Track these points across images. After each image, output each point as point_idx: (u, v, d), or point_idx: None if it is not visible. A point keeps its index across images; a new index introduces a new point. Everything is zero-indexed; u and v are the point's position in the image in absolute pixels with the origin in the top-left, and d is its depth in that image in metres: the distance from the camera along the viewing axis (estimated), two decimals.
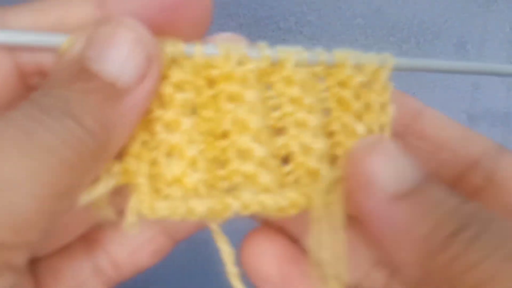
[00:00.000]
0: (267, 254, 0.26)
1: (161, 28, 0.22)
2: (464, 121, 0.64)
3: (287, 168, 0.25)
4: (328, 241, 0.24)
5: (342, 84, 0.26)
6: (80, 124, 0.19)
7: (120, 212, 0.23)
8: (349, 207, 0.24)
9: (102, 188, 0.22)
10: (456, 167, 0.27)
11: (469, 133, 0.28)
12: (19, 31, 0.22)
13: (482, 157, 0.27)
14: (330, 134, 0.26)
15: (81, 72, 0.20)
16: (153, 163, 0.23)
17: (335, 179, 0.25)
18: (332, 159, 0.26)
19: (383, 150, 0.22)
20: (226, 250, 0.24)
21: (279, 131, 0.25)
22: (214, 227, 0.24)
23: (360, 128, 0.26)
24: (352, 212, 0.24)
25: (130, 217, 0.22)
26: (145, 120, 0.23)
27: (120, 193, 0.23)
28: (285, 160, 0.25)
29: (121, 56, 0.20)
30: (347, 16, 0.59)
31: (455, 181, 0.28)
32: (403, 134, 0.28)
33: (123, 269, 0.27)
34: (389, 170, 0.21)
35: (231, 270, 0.24)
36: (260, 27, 0.55)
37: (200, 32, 0.24)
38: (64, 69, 0.21)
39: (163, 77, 0.23)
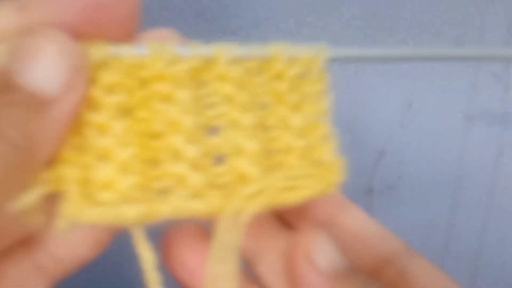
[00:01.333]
0: (193, 248, 0.27)
1: (88, 29, 0.22)
2: (460, 121, 0.65)
3: (220, 169, 0.25)
4: (226, 257, 0.24)
5: (278, 77, 0.26)
6: (4, 138, 0.19)
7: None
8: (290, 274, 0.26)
9: (30, 197, 0.21)
10: (373, 261, 0.31)
11: (385, 232, 0.32)
12: None
13: (396, 255, 0.31)
14: (267, 129, 0.26)
15: (4, 85, 0.20)
16: (85, 167, 0.22)
17: (259, 189, 0.25)
18: (269, 154, 0.26)
19: (320, 237, 0.26)
20: (147, 257, 0.24)
21: (214, 130, 0.25)
22: (137, 232, 0.23)
23: (296, 120, 0.26)
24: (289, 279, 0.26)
25: (60, 223, 0.22)
26: (77, 124, 0.22)
27: (56, 200, 0.23)
28: (220, 159, 0.25)
29: (45, 68, 0.20)
30: (346, 18, 0.59)
31: (372, 274, 0.31)
32: (328, 224, 0.32)
33: (65, 264, 0.27)
34: (324, 252, 0.25)
35: (152, 276, 0.24)
36: (259, 28, 0.55)
37: (131, 30, 0.23)
38: None
39: (92, 81, 0.22)
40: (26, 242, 0.26)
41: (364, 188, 0.65)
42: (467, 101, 0.64)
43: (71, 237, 0.26)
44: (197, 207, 0.23)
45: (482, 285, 0.70)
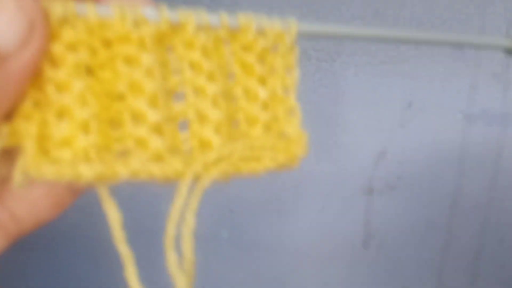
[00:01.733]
0: None
1: None
2: (460, 121, 0.64)
3: (183, 135, 0.25)
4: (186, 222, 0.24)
5: (246, 48, 0.26)
6: None
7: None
8: None
9: None
10: None
11: None
12: None
13: None
14: (233, 99, 0.26)
15: None
16: (44, 123, 0.22)
17: (222, 155, 0.25)
18: (233, 124, 0.26)
19: None
20: (113, 215, 0.23)
21: (179, 96, 0.25)
22: (102, 191, 0.23)
23: (262, 92, 0.26)
24: None
25: (17, 178, 0.22)
26: (38, 79, 0.22)
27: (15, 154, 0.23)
28: (183, 126, 0.25)
29: (1, 23, 0.20)
30: (346, 18, 0.59)
31: None
32: None
33: (23, 222, 0.26)
34: None
35: (118, 234, 0.23)
36: None
37: None
38: None
39: (54, 37, 0.22)
40: None
41: (364, 188, 0.65)
42: (467, 101, 0.64)
43: (29, 195, 0.26)
44: (157, 171, 0.23)
45: (482, 285, 0.70)
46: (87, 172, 0.22)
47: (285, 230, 0.67)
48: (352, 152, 0.63)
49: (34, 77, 0.22)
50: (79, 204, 0.29)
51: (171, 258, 0.24)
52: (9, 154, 0.23)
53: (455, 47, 0.62)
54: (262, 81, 0.27)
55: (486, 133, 0.65)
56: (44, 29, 0.22)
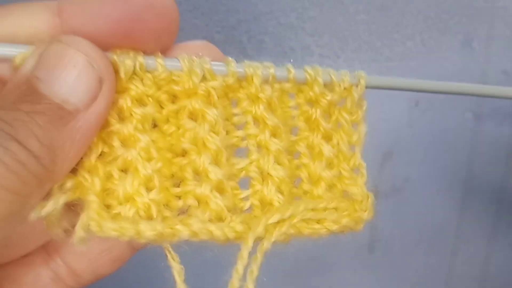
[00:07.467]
0: None
1: (122, 40, 0.22)
2: (470, 120, 0.64)
3: (245, 192, 0.25)
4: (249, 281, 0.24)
5: (312, 102, 0.26)
6: (24, 147, 0.19)
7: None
8: None
9: (52, 205, 0.21)
10: None
11: None
12: None
13: None
14: (295, 156, 0.26)
15: (29, 92, 0.20)
16: (107, 178, 0.23)
17: (282, 216, 0.24)
18: (295, 182, 0.26)
19: None
20: (176, 268, 0.24)
21: (240, 150, 0.25)
22: (166, 244, 0.24)
23: (327, 149, 0.26)
24: None
25: (79, 233, 0.22)
26: (104, 133, 0.23)
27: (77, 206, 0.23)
28: (245, 182, 0.26)
29: (70, 78, 0.21)
30: (350, 12, 0.58)
31: None
32: None
33: (82, 277, 0.27)
34: None
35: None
36: (259, 23, 0.54)
37: (167, 43, 0.24)
38: (13, 89, 0.21)
39: (123, 90, 0.23)
40: (48, 250, 0.27)
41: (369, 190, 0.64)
42: (476, 100, 0.63)
43: (89, 251, 0.27)
44: (217, 232, 0.23)
45: None
46: (148, 231, 0.22)
47: None
48: None
49: (100, 130, 0.22)
50: None
51: None
52: (70, 208, 0.23)
53: (464, 43, 0.61)
54: (327, 137, 0.26)
55: (496, 133, 0.64)
56: (113, 85, 0.22)
